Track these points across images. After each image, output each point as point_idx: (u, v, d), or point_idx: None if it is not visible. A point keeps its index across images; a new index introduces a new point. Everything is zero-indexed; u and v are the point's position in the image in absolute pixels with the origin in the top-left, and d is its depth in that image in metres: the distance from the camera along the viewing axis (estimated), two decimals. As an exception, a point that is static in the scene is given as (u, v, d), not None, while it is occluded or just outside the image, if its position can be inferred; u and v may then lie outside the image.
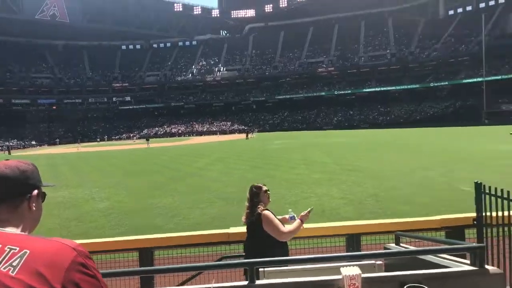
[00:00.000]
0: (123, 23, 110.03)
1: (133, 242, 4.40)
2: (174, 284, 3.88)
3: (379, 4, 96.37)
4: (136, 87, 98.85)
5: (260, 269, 2.35)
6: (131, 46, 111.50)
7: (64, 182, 17.84)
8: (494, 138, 31.07)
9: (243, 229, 4.33)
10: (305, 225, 3.82)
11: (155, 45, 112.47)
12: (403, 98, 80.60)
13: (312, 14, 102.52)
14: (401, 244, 3.25)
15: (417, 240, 3.69)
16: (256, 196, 3.77)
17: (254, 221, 3.63)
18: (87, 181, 18.02)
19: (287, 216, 3.88)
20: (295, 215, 3.80)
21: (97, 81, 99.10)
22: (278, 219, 3.66)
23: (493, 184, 3.63)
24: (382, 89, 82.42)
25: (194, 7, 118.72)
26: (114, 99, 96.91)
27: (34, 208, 1.21)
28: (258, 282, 2.11)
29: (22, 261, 0.96)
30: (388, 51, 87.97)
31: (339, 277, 2.00)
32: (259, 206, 3.68)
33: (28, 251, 0.98)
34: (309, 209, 3.77)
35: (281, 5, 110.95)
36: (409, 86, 79.55)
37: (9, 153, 51.16)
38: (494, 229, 3.61)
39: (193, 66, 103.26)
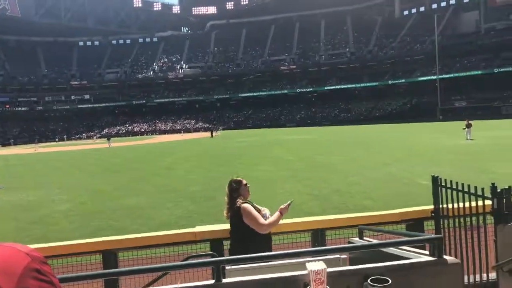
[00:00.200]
0: (79, 19, 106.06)
1: (96, 244, 4.27)
2: (140, 285, 3.80)
3: (339, 3, 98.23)
4: (95, 84, 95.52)
5: (227, 267, 2.34)
6: (88, 43, 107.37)
7: (21, 184, 17.05)
8: (448, 133, 32.59)
9: (210, 227, 4.32)
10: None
11: (114, 42, 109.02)
12: (363, 96, 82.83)
13: (273, 12, 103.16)
14: (364, 238, 3.34)
15: (379, 233, 3.81)
16: (236, 191, 3.81)
17: (234, 214, 3.70)
18: (46, 183, 17.28)
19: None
20: (268, 214, 3.83)
21: (54, 78, 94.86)
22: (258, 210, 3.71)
23: (448, 177, 3.81)
24: (343, 86, 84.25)
25: (154, 3, 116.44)
26: (72, 97, 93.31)
27: None
28: (224, 280, 2.10)
29: None
30: (347, 49, 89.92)
31: (305, 272, 2.02)
32: (238, 200, 3.74)
33: None
34: (289, 201, 3.82)
35: (242, 2, 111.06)
36: (368, 84, 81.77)
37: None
38: (451, 221, 3.79)
39: (155, 63, 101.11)
